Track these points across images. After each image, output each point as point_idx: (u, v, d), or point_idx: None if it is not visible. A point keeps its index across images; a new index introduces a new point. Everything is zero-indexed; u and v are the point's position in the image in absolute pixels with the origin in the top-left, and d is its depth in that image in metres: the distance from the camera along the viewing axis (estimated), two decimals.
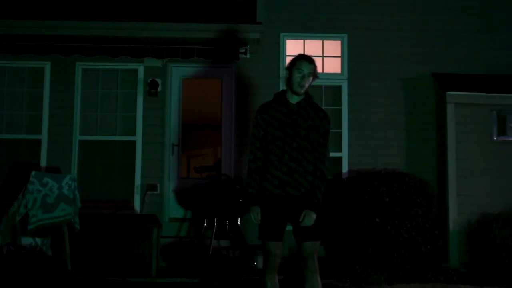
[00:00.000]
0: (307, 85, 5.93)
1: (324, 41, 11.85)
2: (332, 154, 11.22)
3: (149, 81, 11.38)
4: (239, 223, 10.39)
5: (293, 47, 11.79)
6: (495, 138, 10.73)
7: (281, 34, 11.73)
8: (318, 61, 11.79)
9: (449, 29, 11.77)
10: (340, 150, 11.54)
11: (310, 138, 5.85)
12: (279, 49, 11.68)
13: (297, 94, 5.94)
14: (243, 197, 10.38)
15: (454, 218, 10.52)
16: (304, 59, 5.96)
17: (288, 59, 11.67)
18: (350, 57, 11.74)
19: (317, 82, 11.54)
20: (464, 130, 10.73)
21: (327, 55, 11.85)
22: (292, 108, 5.95)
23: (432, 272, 9.41)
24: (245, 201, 5.32)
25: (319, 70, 11.68)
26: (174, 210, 11.36)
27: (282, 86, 11.46)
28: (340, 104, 11.65)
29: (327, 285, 8.90)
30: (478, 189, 10.61)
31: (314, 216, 5.73)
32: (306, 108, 5.97)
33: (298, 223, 5.75)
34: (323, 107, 11.66)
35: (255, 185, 5.89)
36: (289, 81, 5.95)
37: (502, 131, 10.71)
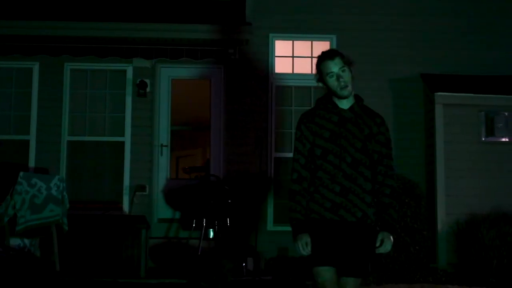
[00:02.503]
0: (349, 80, 4.94)
1: (313, 42, 11.86)
2: None
3: (138, 82, 11.36)
4: (228, 224, 10.39)
5: (282, 48, 11.80)
6: (483, 139, 10.76)
7: (270, 35, 11.73)
8: (306, 62, 11.91)
9: (437, 30, 11.79)
10: None
11: (369, 151, 4.85)
12: (268, 50, 11.68)
13: (345, 97, 4.93)
14: (232, 197, 10.37)
15: (443, 218, 10.54)
16: (324, 60, 5.03)
17: (277, 60, 11.85)
18: None
19: (305, 83, 11.72)
20: (453, 130, 10.75)
21: (316, 56, 11.83)
22: (345, 115, 4.91)
23: (421, 272, 9.42)
24: (294, 228, 4.74)
25: (307, 71, 11.78)
26: (163, 210, 11.35)
27: (272, 87, 11.48)
28: None
29: (311, 286, 8.91)
30: (467, 190, 10.64)
31: (392, 240, 4.79)
32: (360, 114, 4.98)
33: (348, 253, 4.72)
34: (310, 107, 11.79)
35: (301, 210, 4.81)
36: (329, 89, 4.97)
37: (490, 132, 10.74)
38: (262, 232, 10.89)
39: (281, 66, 11.77)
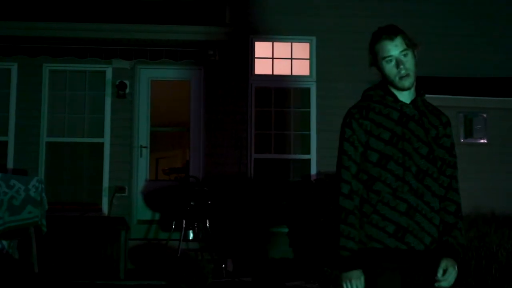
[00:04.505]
0: (412, 67, 3.81)
1: (293, 43, 11.89)
2: (300, 156, 11.29)
3: (117, 83, 11.33)
4: (207, 225, 10.38)
5: (261, 49, 11.82)
6: (461, 140, 10.84)
7: (250, 36, 11.75)
8: (286, 64, 11.93)
9: (417, 32, 11.78)
10: (308, 152, 11.58)
11: (435, 158, 3.79)
12: (247, 51, 11.70)
13: (406, 89, 3.82)
14: (212, 199, 10.36)
15: None
16: (381, 39, 3.85)
17: (257, 62, 11.86)
18: (318, 59, 11.78)
19: (285, 85, 11.75)
20: None
21: (296, 57, 11.88)
22: (407, 111, 3.81)
23: None
24: (345, 262, 3.61)
25: (287, 72, 11.83)
26: (142, 212, 11.33)
27: (252, 89, 11.48)
28: (309, 106, 11.69)
29: (295, 286, 8.93)
30: None
31: (457, 270, 3.70)
32: (424, 110, 3.87)
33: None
34: (291, 109, 11.86)
35: (355, 236, 3.65)
36: (384, 76, 3.88)
37: (469, 133, 10.82)
38: (241, 233, 10.89)
39: (261, 67, 11.79)
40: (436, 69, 11.69)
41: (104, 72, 11.52)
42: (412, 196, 3.64)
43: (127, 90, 11.40)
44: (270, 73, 11.83)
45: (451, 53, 11.79)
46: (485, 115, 10.89)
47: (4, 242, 9.11)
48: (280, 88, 11.78)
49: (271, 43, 11.90)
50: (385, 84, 3.88)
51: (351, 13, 11.88)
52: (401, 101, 3.81)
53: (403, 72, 3.75)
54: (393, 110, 3.79)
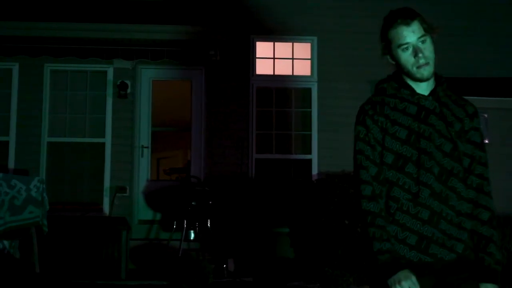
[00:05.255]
0: (431, 55, 3.40)
1: (294, 43, 11.89)
2: (301, 157, 11.30)
3: (118, 83, 11.33)
4: (208, 225, 10.38)
5: (263, 49, 11.82)
6: None
7: (251, 36, 11.74)
8: (287, 64, 11.93)
9: None
10: (309, 152, 11.58)
11: (460, 154, 3.31)
12: (248, 51, 11.70)
13: (424, 79, 3.38)
14: (213, 199, 10.36)
15: None
16: (396, 24, 3.43)
17: (258, 62, 11.87)
18: (319, 59, 11.78)
19: (286, 85, 11.75)
20: None
21: (297, 58, 11.88)
22: (426, 104, 3.35)
23: None
24: (388, 266, 3.02)
25: (288, 72, 11.84)
26: (143, 212, 11.33)
27: (253, 89, 11.49)
28: (310, 106, 11.69)
29: (296, 287, 8.93)
30: None
31: None
32: (446, 102, 3.45)
33: None
34: (292, 109, 11.87)
35: (389, 238, 3.20)
36: (399, 66, 3.45)
37: None
38: (242, 233, 10.90)
39: (262, 67, 11.79)
40: (436, 70, 11.67)
41: (105, 72, 11.52)
42: (435, 201, 3.20)
43: (128, 90, 11.41)
44: (271, 73, 11.83)
45: (451, 54, 11.77)
46: (485, 115, 10.88)
47: (5, 242, 9.11)
48: (281, 88, 11.78)
49: (272, 43, 11.89)
50: (400, 74, 3.46)
51: (352, 13, 11.87)
52: (418, 94, 3.36)
53: (422, 61, 3.33)
54: (410, 104, 3.34)
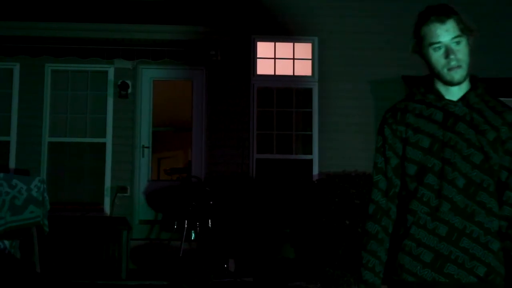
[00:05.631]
0: (465, 58, 3.09)
1: (295, 44, 11.88)
2: (302, 157, 11.30)
3: (119, 83, 11.33)
4: (209, 225, 10.38)
5: (264, 49, 11.81)
6: None
7: (252, 36, 11.74)
8: (288, 64, 11.92)
9: None
10: (310, 153, 11.57)
11: (492, 166, 2.99)
12: (249, 51, 11.69)
13: (456, 83, 3.07)
14: (214, 199, 10.36)
15: None
16: (429, 21, 3.10)
17: (259, 62, 11.87)
18: (320, 59, 11.78)
19: (287, 85, 11.75)
20: None
21: (298, 58, 11.88)
22: (454, 110, 3.05)
23: None
24: None
25: (289, 72, 11.84)
26: (144, 212, 11.33)
27: (254, 89, 11.49)
28: (311, 107, 11.69)
29: (297, 287, 8.93)
30: None
31: None
32: (479, 108, 3.09)
33: None
34: (293, 110, 11.87)
35: (374, 266, 3.05)
36: (430, 67, 3.14)
37: None
38: (243, 233, 10.90)
39: (263, 67, 11.79)
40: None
41: (106, 72, 11.52)
42: (456, 217, 2.93)
43: (129, 90, 11.41)
44: (272, 73, 11.82)
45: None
46: None
47: (6, 242, 9.11)
48: (282, 88, 11.78)
49: (273, 43, 11.89)
50: (431, 77, 3.16)
51: (353, 14, 11.87)
52: (446, 99, 3.08)
53: (453, 63, 3.03)
54: (436, 111, 3.06)
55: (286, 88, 11.77)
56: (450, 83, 3.06)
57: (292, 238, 10.53)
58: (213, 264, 10.10)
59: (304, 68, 11.84)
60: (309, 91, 11.75)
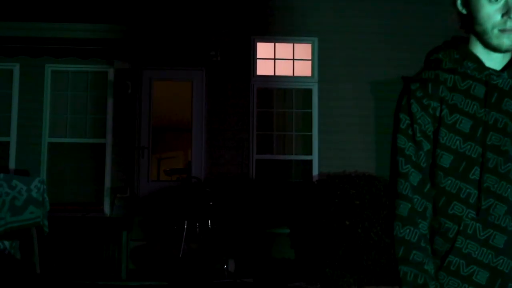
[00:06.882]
0: None
1: (295, 44, 11.88)
2: (302, 157, 11.29)
3: (119, 84, 11.33)
4: (209, 226, 10.38)
5: (263, 50, 11.81)
6: None
7: (252, 37, 11.74)
8: (288, 64, 11.91)
9: (418, 32, 11.85)
10: (310, 153, 11.57)
11: None
12: (249, 52, 11.69)
13: (503, 49, 2.33)
14: (213, 199, 10.37)
15: None
16: None
17: (259, 63, 11.87)
18: (320, 60, 11.77)
19: (286, 85, 11.76)
20: None
21: (298, 58, 11.88)
22: (498, 82, 2.34)
23: None
24: None
25: (289, 73, 11.84)
26: (144, 213, 11.32)
27: (254, 89, 11.49)
28: (311, 107, 11.68)
29: (297, 287, 8.93)
30: None
31: None
32: None
33: None
34: (293, 110, 11.87)
35: (426, 280, 2.24)
36: (470, 24, 2.43)
37: None
38: (242, 234, 10.90)
39: (263, 68, 11.79)
40: None
41: (106, 72, 11.52)
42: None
43: (129, 91, 11.41)
44: (272, 74, 11.82)
45: None
46: None
47: (6, 243, 9.12)
48: (282, 89, 11.78)
49: (273, 43, 11.89)
50: (462, 41, 2.49)
51: (352, 14, 11.87)
52: (489, 69, 2.34)
53: (510, 24, 2.26)
54: (476, 83, 2.34)
55: (285, 89, 11.77)
56: (495, 49, 2.33)
57: (292, 239, 10.54)
58: (213, 265, 10.10)
59: (304, 69, 11.84)
60: (309, 92, 11.75)
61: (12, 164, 11.21)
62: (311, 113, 11.69)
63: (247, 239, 10.83)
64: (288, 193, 10.96)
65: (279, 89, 11.78)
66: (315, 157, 11.56)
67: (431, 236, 2.32)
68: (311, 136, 11.61)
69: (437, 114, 2.32)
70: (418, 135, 2.34)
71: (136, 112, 11.49)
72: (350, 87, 11.57)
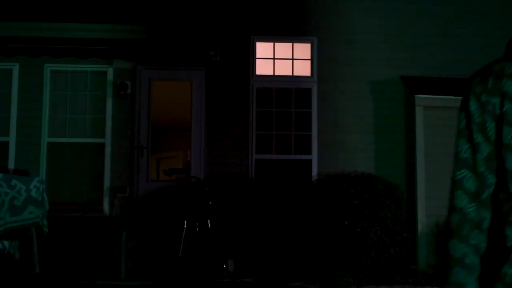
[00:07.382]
0: None
1: (294, 44, 11.88)
2: (301, 157, 11.30)
3: (118, 83, 11.33)
4: (208, 225, 10.38)
5: (263, 50, 11.81)
6: None
7: (251, 37, 11.74)
8: (287, 64, 11.91)
9: (418, 33, 11.86)
10: (309, 153, 11.57)
11: None
12: (249, 52, 11.69)
13: None
14: (213, 199, 10.36)
15: (423, 220, 10.59)
16: None
17: (258, 62, 11.86)
18: (319, 60, 11.77)
19: (286, 85, 11.75)
20: (433, 132, 10.81)
21: (297, 58, 11.88)
22: None
23: (401, 274, 9.47)
24: None
25: (288, 73, 11.84)
26: (143, 213, 11.31)
27: (253, 89, 11.48)
28: (310, 107, 11.68)
29: (296, 287, 8.93)
30: (447, 192, 10.65)
31: None
32: None
33: None
34: (292, 110, 11.86)
35: None
36: None
37: None
38: (242, 233, 10.89)
39: (262, 68, 11.78)
40: (437, 70, 11.69)
41: (105, 72, 11.52)
42: None
43: (128, 91, 11.40)
44: (271, 73, 11.82)
45: (452, 54, 11.79)
46: None
47: (5, 243, 9.12)
48: (281, 88, 11.78)
49: (272, 43, 11.89)
50: None
51: (351, 15, 11.87)
52: None
53: None
54: None
55: (285, 89, 11.76)
56: None
57: (291, 239, 10.53)
58: (212, 265, 10.10)
59: (303, 68, 11.84)
60: (308, 91, 11.75)
61: (11, 164, 11.21)
62: (310, 113, 11.69)
63: (246, 238, 10.83)
64: (287, 193, 10.95)
65: (278, 88, 11.78)
66: (314, 157, 11.56)
67: (490, 244, 2.08)
68: (310, 135, 11.61)
69: (497, 111, 2.05)
70: (476, 135, 2.11)
71: (135, 112, 11.49)
72: (350, 86, 11.57)
